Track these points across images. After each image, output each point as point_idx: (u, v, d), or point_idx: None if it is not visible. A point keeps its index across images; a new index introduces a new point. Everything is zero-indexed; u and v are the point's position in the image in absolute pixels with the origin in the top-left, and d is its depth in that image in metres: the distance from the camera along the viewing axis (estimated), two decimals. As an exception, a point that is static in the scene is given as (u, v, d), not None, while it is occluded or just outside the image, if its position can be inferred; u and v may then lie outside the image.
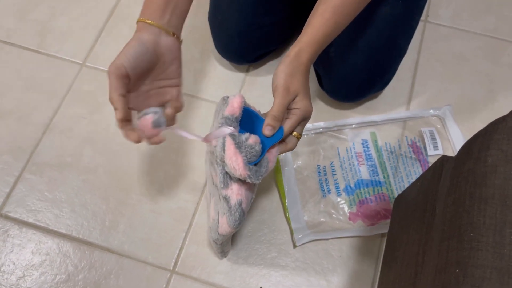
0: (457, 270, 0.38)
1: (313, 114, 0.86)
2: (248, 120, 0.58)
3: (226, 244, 0.71)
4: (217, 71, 0.95)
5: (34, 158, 0.86)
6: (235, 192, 0.57)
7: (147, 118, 0.56)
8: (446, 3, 1.01)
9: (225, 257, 0.77)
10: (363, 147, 0.84)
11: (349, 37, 0.75)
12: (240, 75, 0.94)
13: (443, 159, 0.55)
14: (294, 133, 0.59)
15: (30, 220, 0.81)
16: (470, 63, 0.94)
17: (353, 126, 0.86)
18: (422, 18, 0.98)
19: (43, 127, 0.89)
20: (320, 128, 0.86)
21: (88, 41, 0.98)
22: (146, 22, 0.56)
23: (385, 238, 0.77)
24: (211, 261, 0.77)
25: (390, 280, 0.61)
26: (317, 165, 0.83)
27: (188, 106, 0.90)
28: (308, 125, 0.86)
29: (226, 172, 0.56)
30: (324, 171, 0.83)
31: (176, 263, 0.77)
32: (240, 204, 0.57)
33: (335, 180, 0.82)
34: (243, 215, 0.58)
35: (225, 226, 0.59)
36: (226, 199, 0.57)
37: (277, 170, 0.81)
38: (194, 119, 0.89)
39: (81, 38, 0.98)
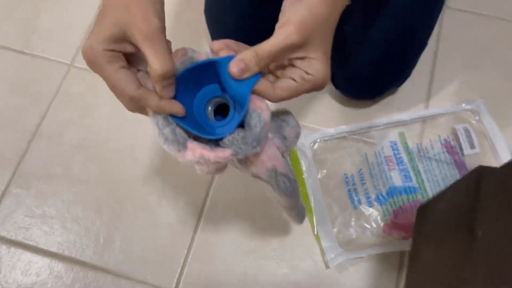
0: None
1: (330, 118, 0.80)
2: (201, 77, 0.42)
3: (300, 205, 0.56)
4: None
5: (21, 169, 0.79)
6: (258, 165, 0.43)
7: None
8: (465, -14, 0.93)
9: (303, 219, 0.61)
10: (392, 149, 0.76)
11: (363, 29, 0.67)
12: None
13: (481, 171, 0.47)
14: None
15: (19, 239, 0.74)
16: (493, 51, 0.86)
17: (380, 127, 0.78)
18: (440, 3, 0.89)
19: (30, 134, 0.82)
20: (343, 133, 0.78)
21: (75, 40, 0.90)
22: None
23: (406, 251, 0.70)
24: (215, 280, 0.70)
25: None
26: (344, 174, 0.75)
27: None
28: (330, 130, 0.78)
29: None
30: (353, 180, 0.75)
31: (178, 283, 0.70)
32: (274, 170, 0.43)
33: (365, 189, 0.74)
34: (287, 179, 0.44)
35: (281, 199, 0.47)
36: (257, 177, 0.45)
37: (300, 183, 0.74)
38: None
39: (68, 36, 0.90)
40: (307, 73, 0.41)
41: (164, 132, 0.40)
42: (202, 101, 0.43)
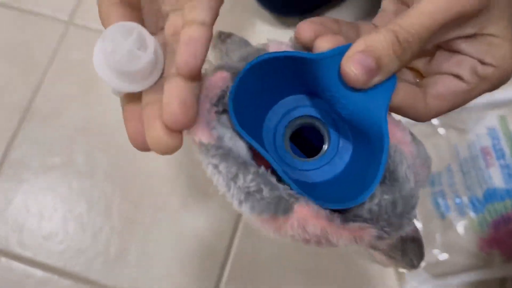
0: None
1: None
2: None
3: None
4: (256, 27, 0.69)
5: (10, 157, 0.64)
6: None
7: None
8: None
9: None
10: (491, 139, 0.59)
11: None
12: (287, 32, 0.68)
13: None
14: None
15: (11, 248, 0.59)
16: None
17: (474, 109, 0.60)
18: None
19: (20, 112, 0.66)
20: None
21: (75, -11, 0.72)
22: None
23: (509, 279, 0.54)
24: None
25: None
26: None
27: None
28: None
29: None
30: (439, 180, 0.58)
31: (210, 309, 0.55)
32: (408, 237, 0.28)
33: (455, 192, 0.57)
34: (418, 249, 0.30)
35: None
36: (373, 248, 0.30)
37: None
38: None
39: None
40: (482, 62, 0.22)
41: (247, 182, 0.20)
42: (278, 123, 0.24)
